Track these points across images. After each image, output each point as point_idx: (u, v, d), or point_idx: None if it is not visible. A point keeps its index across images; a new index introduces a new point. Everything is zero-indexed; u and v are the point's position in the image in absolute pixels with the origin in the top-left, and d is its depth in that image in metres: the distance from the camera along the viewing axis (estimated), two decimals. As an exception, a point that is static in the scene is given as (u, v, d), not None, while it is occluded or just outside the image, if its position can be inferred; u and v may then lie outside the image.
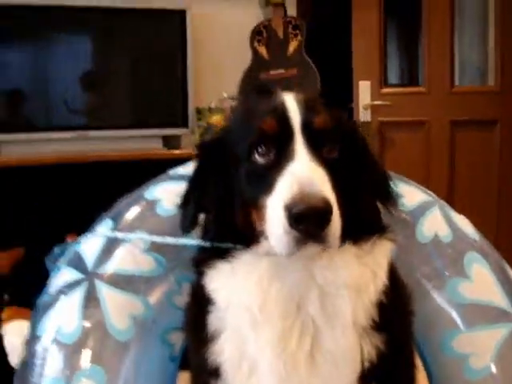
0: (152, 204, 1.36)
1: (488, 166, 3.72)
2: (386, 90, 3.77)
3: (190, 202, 1.12)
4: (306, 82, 3.72)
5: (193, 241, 1.16)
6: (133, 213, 1.37)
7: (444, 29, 3.69)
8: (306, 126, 1.00)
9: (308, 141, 0.98)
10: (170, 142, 3.66)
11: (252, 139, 1.01)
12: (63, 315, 1.26)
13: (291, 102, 1.04)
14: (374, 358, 1.10)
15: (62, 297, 1.28)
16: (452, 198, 3.69)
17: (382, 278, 1.09)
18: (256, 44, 3.86)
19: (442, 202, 1.56)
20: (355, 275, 1.06)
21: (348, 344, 1.07)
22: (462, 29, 4.07)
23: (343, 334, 1.07)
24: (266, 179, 0.97)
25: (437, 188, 3.58)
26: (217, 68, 3.85)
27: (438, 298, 1.43)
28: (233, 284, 1.05)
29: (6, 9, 3.26)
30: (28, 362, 1.25)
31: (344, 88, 3.78)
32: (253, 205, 0.99)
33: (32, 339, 1.26)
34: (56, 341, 1.22)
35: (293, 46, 3.80)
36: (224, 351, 1.09)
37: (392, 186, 1.17)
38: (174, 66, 3.60)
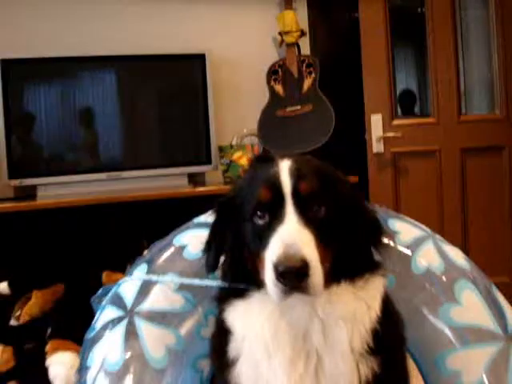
0: (180, 249, 1.55)
1: (498, 189, 3.83)
2: (396, 122, 3.89)
3: (211, 248, 1.31)
4: (321, 117, 3.84)
5: (215, 282, 1.36)
6: (164, 257, 1.56)
7: (449, 61, 3.83)
8: (295, 192, 1.15)
9: (297, 205, 1.14)
10: (195, 179, 3.82)
11: (251, 205, 1.19)
12: (108, 348, 1.44)
13: (284, 171, 1.19)
14: (370, 378, 1.22)
15: (107, 332, 1.46)
16: (466, 221, 3.85)
17: (376, 309, 1.23)
18: (272, 83, 3.99)
19: (436, 236, 1.71)
20: (351, 309, 1.20)
21: (346, 368, 1.20)
22: (468, 58, 4.15)
23: (342, 360, 1.20)
24: (263, 237, 1.14)
25: (450, 212, 3.75)
26: (236, 107, 4.00)
27: (433, 322, 1.57)
28: (247, 318, 1.22)
29: (42, 60, 3.52)
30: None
31: (357, 121, 3.91)
32: (256, 256, 1.17)
33: (82, 370, 1.45)
34: (103, 370, 1.40)
35: (307, 83, 3.92)
36: (242, 374, 1.25)
37: (382, 230, 1.31)
38: (197, 106, 3.75)
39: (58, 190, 3.51)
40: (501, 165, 3.81)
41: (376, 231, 1.30)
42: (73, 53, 3.57)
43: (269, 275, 1.08)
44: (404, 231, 1.66)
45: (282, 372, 1.20)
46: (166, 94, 3.80)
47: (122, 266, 2.94)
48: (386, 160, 3.89)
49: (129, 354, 1.42)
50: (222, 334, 1.30)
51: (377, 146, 3.88)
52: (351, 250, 1.22)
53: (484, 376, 1.47)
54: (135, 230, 3.37)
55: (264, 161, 1.29)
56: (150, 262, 1.57)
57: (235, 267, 1.25)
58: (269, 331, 1.21)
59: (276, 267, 1.06)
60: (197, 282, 1.44)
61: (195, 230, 1.58)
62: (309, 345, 1.21)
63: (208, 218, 1.53)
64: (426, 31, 3.91)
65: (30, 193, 3.55)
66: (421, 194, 3.88)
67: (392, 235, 1.61)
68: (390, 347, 1.28)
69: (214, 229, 1.32)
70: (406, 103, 4.32)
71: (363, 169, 3.91)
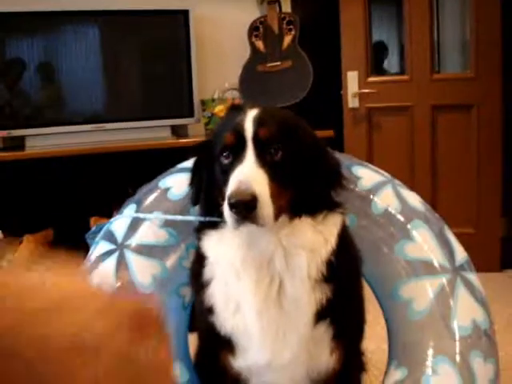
0: (165, 191, 1.73)
1: (466, 145, 3.98)
2: (372, 79, 4.03)
3: (192, 185, 1.50)
4: (299, 73, 3.98)
5: (194, 217, 1.56)
6: (150, 198, 1.73)
7: (424, 21, 3.93)
8: (255, 137, 1.32)
9: (256, 148, 1.31)
10: (178, 131, 3.96)
11: (219, 147, 1.36)
12: (101, 277, 1.64)
13: (249, 119, 1.35)
14: (323, 301, 1.41)
15: (100, 263, 1.64)
16: (435, 174, 4.04)
17: (332, 243, 1.40)
18: (253, 39, 4.11)
19: (395, 181, 1.86)
20: (310, 239, 1.38)
21: (304, 291, 1.39)
22: (443, 18, 4.28)
23: (301, 284, 1.39)
24: (226, 175, 1.31)
25: (420, 165, 3.94)
26: (219, 62, 4.14)
27: (390, 257, 1.75)
28: (220, 246, 1.42)
29: (24, 14, 3.61)
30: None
31: (334, 78, 4.05)
32: (221, 191, 1.34)
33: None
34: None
35: (287, 40, 4.04)
36: (215, 294, 1.45)
37: (342, 175, 1.47)
38: (180, 61, 3.88)
39: (46, 141, 3.62)
40: (470, 122, 3.94)
41: (336, 176, 1.47)
42: (56, 7, 3.65)
43: (225, 206, 1.26)
44: (366, 176, 1.82)
45: (248, 292, 1.39)
46: (150, 48, 3.91)
47: (109, 213, 3.13)
48: (361, 115, 4.05)
49: (119, 283, 1.60)
50: (198, 260, 1.50)
51: (352, 102, 4.02)
52: (310, 191, 1.39)
53: (431, 303, 1.67)
54: (121, 179, 3.52)
55: (236, 110, 1.47)
56: (138, 203, 1.74)
57: (209, 202, 1.43)
58: (238, 257, 1.39)
59: (229, 199, 1.23)
60: (179, 217, 1.62)
61: (179, 174, 1.75)
62: (273, 269, 1.39)
63: (190, 163, 1.71)
64: None
65: (18, 144, 3.67)
66: (393, 148, 4.05)
67: (353, 180, 1.79)
68: (343, 277, 1.46)
69: (194, 168, 1.51)
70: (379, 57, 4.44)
71: (339, 123, 4.06)
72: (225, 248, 1.42)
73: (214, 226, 1.43)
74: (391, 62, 4.63)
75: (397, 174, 3.72)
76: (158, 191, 1.75)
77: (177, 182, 1.73)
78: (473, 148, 3.98)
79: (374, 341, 1.88)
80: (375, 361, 2.03)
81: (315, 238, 1.40)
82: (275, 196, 1.29)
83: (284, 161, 1.34)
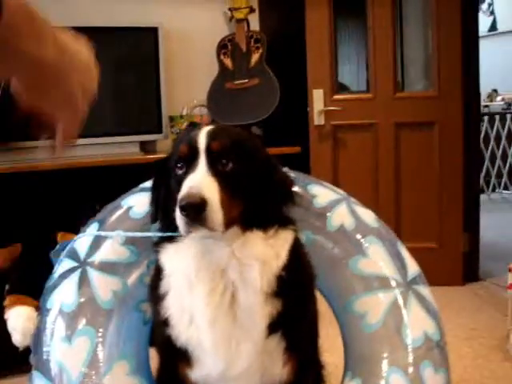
0: (127, 210, 1.80)
1: (429, 161, 4.08)
2: (337, 97, 4.13)
3: (152, 202, 1.57)
4: (266, 91, 4.06)
5: (152, 233, 1.63)
6: (113, 217, 1.80)
7: (387, 40, 4.05)
8: (208, 150, 1.40)
9: (208, 159, 1.38)
10: (146, 147, 3.99)
11: (174, 159, 1.44)
12: (64, 293, 1.69)
13: (203, 133, 1.43)
14: (275, 315, 1.47)
15: (64, 280, 1.71)
16: (398, 190, 4.14)
17: (283, 258, 1.47)
18: (222, 56, 4.18)
19: (350, 199, 1.94)
20: (261, 252, 1.45)
21: (257, 302, 1.45)
22: (407, 36, 4.41)
23: (253, 295, 1.44)
24: (180, 185, 1.37)
25: (384, 181, 4.05)
26: (187, 79, 4.19)
27: (344, 272, 1.83)
28: (176, 258, 1.49)
29: None
30: (40, 330, 1.69)
31: (301, 95, 4.14)
32: (175, 200, 1.38)
33: (43, 312, 1.70)
34: (60, 311, 1.66)
35: (255, 57, 4.12)
36: (170, 306, 1.51)
37: (292, 191, 1.57)
38: (149, 78, 3.91)
39: (14, 156, 3.63)
40: (431, 139, 4.05)
41: (286, 192, 1.56)
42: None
43: (177, 211, 1.33)
44: (321, 194, 1.91)
45: (201, 302, 1.45)
46: (119, 65, 3.91)
47: (76, 228, 3.16)
48: (327, 132, 4.14)
49: (82, 298, 1.67)
50: (156, 273, 1.57)
51: (318, 119, 4.11)
52: (261, 204, 1.46)
53: (384, 316, 1.75)
54: (89, 195, 3.55)
55: (194, 126, 1.55)
56: (100, 221, 1.81)
57: (167, 216, 1.50)
58: (192, 267, 1.46)
59: (180, 202, 1.31)
60: (138, 234, 1.70)
61: (141, 193, 1.82)
62: (226, 280, 1.45)
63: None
64: (367, 8, 4.10)
65: (-14, 158, 3.67)
66: (358, 165, 4.14)
67: (308, 198, 1.87)
68: (294, 292, 1.52)
69: (153, 185, 1.58)
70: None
71: (305, 140, 4.15)
72: (179, 259, 1.49)
73: (172, 239, 1.51)
74: (358, 80, 4.73)
75: (361, 189, 3.85)
76: (121, 210, 1.82)
77: (138, 201, 1.80)
78: (435, 164, 4.08)
79: (337, 354, 1.92)
80: (337, 374, 2.09)
81: (266, 252, 1.47)
82: (225, 203, 1.36)
83: (234, 172, 1.41)
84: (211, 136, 1.44)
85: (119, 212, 1.82)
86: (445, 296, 3.53)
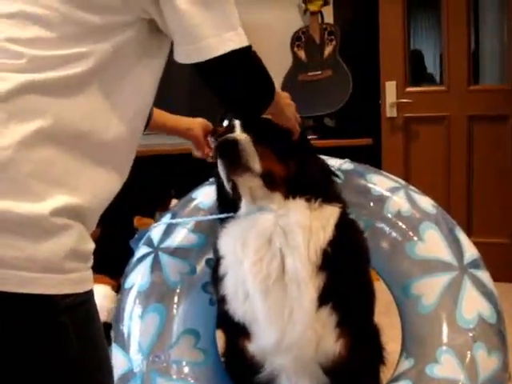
0: (197, 202, 2.01)
1: (502, 155, 4.06)
2: (409, 89, 4.19)
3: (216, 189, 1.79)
4: (339, 83, 4.18)
5: (212, 216, 1.85)
6: (185, 208, 2.01)
7: (462, 31, 4.06)
8: (243, 124, 1.60)
9: (243, 126, 1.60)
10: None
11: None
12: (139, 275, 1.90)
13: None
14: (323, 286, 1.58)
15: (139, 264, 1.92)
16: (471, 183, 4.16)
17: (329, 231, 1.59)
18: (296, 48, 4.35)
19: (409, 187, 2.06)
20: (306, 221, 1.57)
21: (304, 270, 1.56)
22: (483, 28, 4.40)
23: (300, 263, 1.56)
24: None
25: (456, 174, 4.09)
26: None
27: (402, 256, 1.93)
28: (226, 238, 1.68)
29: None
30: (119, 307, 1.90)
31: (373, 87, 4.23)
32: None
33: (122, 292, 1.93)
34: (135, 291, 1.88)
35: (328, 49, 4.26)
36: (227, 284, 1.68)
37: (330, 171, 1.76)
38: None
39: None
40: (505, 132, 4.04)
41: (322, 164, 1.74)
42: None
43: (218, 161, 1.53)
44: (380, 182, 2.04)
45: (250, 274, 1.59)
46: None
47: (152, 212, 3.40)
48: (398, 124, 4.22)
49: (153, 279, 1.88)
50: (216, 257, 1.75)
51: (390, 111, 4.20)
52: (298, 170, 1.63)
53: (439, 298, 1.84)
54: (164, 181, 3.76)
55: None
56: (174, 213, 2.03)
57: (223, 198, 1.70)
58: (239, 243, 1.62)
59: (216, 147, 1.53)
60: (200, 218, 1.93)
61: (210, 186, 2.01)
62: (273, 249, 1.58)
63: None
64: (442, 1, 4.11)
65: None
66: (430, 157, 4.20)
67: (367, 186, 2.02)
68: (342, 267, 1.62)
69: (216, 172, 1.73)
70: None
71: (377, 132, 4.25)
72: (229, 238, 1.67)
73: (226, 221, 1.71)
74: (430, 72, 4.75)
75: (432, 182, 3.95)
76: (192, 202, 2.03)
77: (208, 193, 2.00)
78: (508, 158, 4.06)
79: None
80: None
81: (312, 222, 1.59)
82: (259, 148, 1.53)
83: (269, 137, 1.60)
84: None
85: (190, 204, 2.02)
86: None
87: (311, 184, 1.64)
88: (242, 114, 1.50)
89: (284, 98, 1.60)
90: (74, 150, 1.10)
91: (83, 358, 1.10)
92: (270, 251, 1.59)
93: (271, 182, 1.57)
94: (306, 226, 1.58)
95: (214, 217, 1.81)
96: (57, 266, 1.04)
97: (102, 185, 1.17)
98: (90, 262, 1.14)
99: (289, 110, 1.62)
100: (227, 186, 1.57)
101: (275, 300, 1.59)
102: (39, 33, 1.09)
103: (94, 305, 1.15)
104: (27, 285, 1.00)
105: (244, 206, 1.66)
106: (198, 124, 1.97)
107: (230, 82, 1.27)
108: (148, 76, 1.25)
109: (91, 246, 1.14)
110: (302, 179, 1.62)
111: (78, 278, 1.08)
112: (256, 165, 1.51)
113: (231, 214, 1.68)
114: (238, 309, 1.67)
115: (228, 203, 1.68)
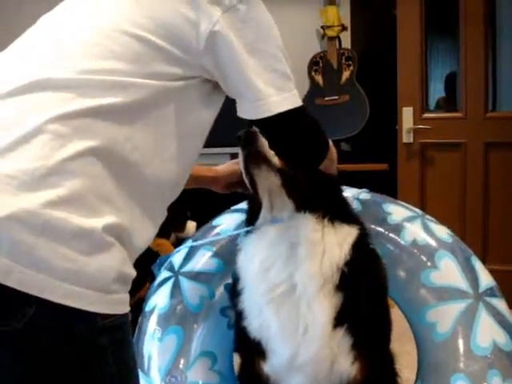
0: (218, 228, 2.08)
1: None
2: (426, 115, 4.27)
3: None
4: (356, 108, 4.27)
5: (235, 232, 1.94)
6: (206, 234, 2.09)
7: (479, 58, 4.14)
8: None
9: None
10: (235, 158, 4.24)
11: None
12: (160, 298, 1.97)
13: None
14: (338, 307, 1.61)
15: (160, 287, 1.99)
16: (487, 211, 4.21)
17: (345, 251, 1.62)
18: (313, 73, 4.45)
19: (425, 216, 2.10)
20: (316, 233, 1.62)
21: (314, 286, 1.60)
22: (500, 54, 4.44)
23: (309, 278, 1.60)
24: None
25: (472, 201, 4.14)
26: (279, 94, 4.44)
27: (417, 283, 1.96)
28: (242, 252, 1.76)
29: None
30: (140, 329, 1.97)
31: (390, 113, 4.31)
32: None
33: (143, 314, 2.00)
34: (156, 313, 1.95)
35: (345, 75, 4.35)
36: (243, 300, 1.73)
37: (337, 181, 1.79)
38: None
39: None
40: None
41: (332, 179, 1.77)
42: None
43: (239, 152, 1.62)
44: (396, 212, 2.08)
45: (265, 290, 1.65)
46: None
47: (167, 233, 3.49)
48: (415, 150, 4.29)
49: (173, 301, 1.95)
50: (235, 274, 1.81)
51: (406, 137, 4.27)
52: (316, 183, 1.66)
53: (454, 326, 1.87)
54: (180, 202, 3.84)
55: None
56: (194, 239, 2.10)
57: (251, 214, 1.80)
58: (250, 256, 1.71)
59: (238, 136, 1.60)
60: (221, 236, 2.01)
61: (229, 214, 2.10)
62: (280, 259, 1.64)
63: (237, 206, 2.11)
64: (460, 27, 4.20)
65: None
66: (446, 184, 4.25)
67: (379, 213, 2.07)
68: (358, 289, 1.65)
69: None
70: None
71: (393, 157, 4.31)
72: (243, 252, 1.75)
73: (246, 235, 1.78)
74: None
75: (448, 208, 4.00)
76: (213, 229, 2.10)
77: (227, 220, 2.08)
78: (525, 185, 4.10)
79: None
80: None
81: (325, 237, 1.64)
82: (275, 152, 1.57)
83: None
84: None
85: (211, 231, 2.10)
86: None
87: (324, 200, 1.69)
88: (298, 168, 1.59)
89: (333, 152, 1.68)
90: (120, 176, 1.19)
91: (118, 379, 1.16)
92: (277, 263, 1.65)
93: (288, 181, 1.61)
94: (316, 239, 1.63)
95: (236, 232, 1.90)
96: (103, 285, 1.10)
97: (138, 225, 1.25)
98: (129, 287, 1.20)
99: (332, 158, 1.70)
100: (246, 181, 1.65)
101: (288, 314, 1.63)
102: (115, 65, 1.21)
103: (129, 329, 1.22)
104: (73, 298, 1.06)
105: (261, 217, 1.72)
106: (222, 173, 2.03)
107: (285, 139, 1.44)
108: (204, 122, 1.41)
109: (133, 272, 1.21)
110: (316, 193, 1.66)
111: (119, 300, 1.15)
112: (274, 158, 1.57)
113: (250, 228, 1.74)
114: (252, 323, 1.72)
115: (253, 219, 1.74)
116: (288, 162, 1.54)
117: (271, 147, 1.52)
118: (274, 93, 1.33)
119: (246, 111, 1.38)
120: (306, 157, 1.51)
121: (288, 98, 1.37)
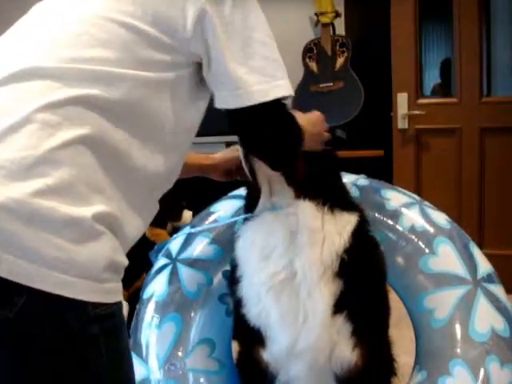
0: (215, 214, 2.08)
1: None
2: (421, 101, 4.26)
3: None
4: (351, 94, 4.26)
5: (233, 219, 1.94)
6: (203, 221, 2.09)
7: (473, 43, 4.11)
8: None
9: None
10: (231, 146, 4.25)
11: None
12: (157, 285, 1.97)
13: None
14: (338, 294, 1.61)
15: (158, 275, 1.99)
16: (482, 195, 4.21)
17: (345, 239, 1.62)
18: (307, 60, 4.44)
19: (423, 202, 2.11)
20: (316, 221, 1.61)
21: (314, 274, 1.60)
22: (495, 39, 4.40)
23: (309, 265, 1.60)
24: None
25: (468, 186, 4.14)
26: (273, 81, 4.43)
27: (415, 270, 1.97)
28: (240, 239, 1.76)
29: None
30: (137, 317, 1.97)
31: (385, 99, 4.30)
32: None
33: (141, 302, 1.99)
34: (153, 301, 1.94)
35: (340, 61, 4.34)
36: (241, 287, 1.73)
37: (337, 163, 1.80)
38: None
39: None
40: None
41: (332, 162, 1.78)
42: None
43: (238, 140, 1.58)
44: (394, 198, 2.09)
45: (256, 272, 1.66)
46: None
47: (163, 223, 3.48)
48: (410, 136, 4.28)
49: (171, 289, 1.95)
50: (234, 260, 1.81)
51: (401, 123, 4.26)
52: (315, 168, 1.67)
53: (452, 312, 1.88)
54: (175, 191, 3.83)
55: None
56: (192, 225, 2.11)
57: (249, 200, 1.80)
58: (249, 243, 1.71)
59: None
60: (220, 224, 2.01)
61: (227, 200, 2.10)
62: (280, 246, 1.64)
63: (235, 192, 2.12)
64: (454, 13, 4.17)
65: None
66: (441, 169, 4.25)
67: (378, 199, 2.07)
68: (357, 276, 1.65)
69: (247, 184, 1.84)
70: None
71: (389, 144, 4.31)
72: (241, 239, 1.74)
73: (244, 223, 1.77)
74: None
75: (444, 193, 4.00)
76: (210, 215, 2.10)
77: (224, 207, 2.09)
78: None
79: (413, 356, 2.04)
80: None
81: (325, 225, 1.63)
82: None
83: None
84: None
85: (209, 217, 2.10)
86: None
87: (324, 187, 1.68)
88: (273, 164, 1.52)
89: (311, 124, 1.62)
90: (109, 166, 1.18)
91: (110, 368, 1.15)
92: (277, 250, 1.64)
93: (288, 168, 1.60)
94: (316, 227, 1.62)
95: (234, 219, 1.90)
96: (93, 274, 1.10)
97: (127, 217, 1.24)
98: (121, 275, 1.20)
99: (312, 139, 1.61)
100: (246, 168, 1.64)
101: (287, 302, 1.63)
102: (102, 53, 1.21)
103: (123, 318, 1.21)
104: (64, 287, 1.05)
105: (260, 204, 1.70)
106: (220, 161, 2.00)
107: (267, 129, 1.38)
108: (194, 116, 1.39)
109: (125, 260, 1.21)
110: (315, 180, 1.66)
111: (110, 289, 1.14)
112: None
113: (249, 215, 1.73)
114: (252, 311, 1.72)
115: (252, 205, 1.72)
116: (265, 157, 1.49)
117: (246, 141, 1.46)
118: (262, 80, 1.29)
119: (225, 100, 1.31)
120: (282, 149, 1.44)
121: (281, 85, 1.33)
